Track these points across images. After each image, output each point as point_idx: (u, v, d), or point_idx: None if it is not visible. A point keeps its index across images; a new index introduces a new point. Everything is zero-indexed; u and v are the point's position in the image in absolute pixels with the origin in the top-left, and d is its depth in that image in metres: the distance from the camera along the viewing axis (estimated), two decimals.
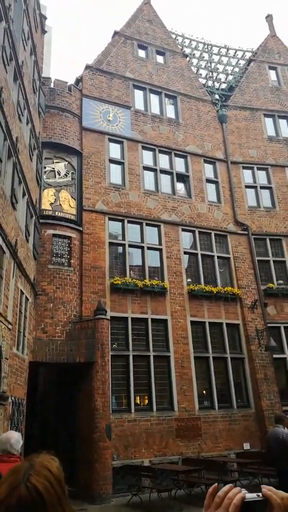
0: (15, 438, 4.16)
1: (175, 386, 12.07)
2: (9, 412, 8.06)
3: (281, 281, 14.96)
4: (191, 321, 13.12)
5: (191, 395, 12.19)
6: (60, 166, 13.13)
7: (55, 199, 12.62)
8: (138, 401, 11.67)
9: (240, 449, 12.10)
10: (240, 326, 13.82)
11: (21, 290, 9.36)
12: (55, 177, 12.92)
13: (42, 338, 10.84)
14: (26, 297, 9.83)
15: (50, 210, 12.37)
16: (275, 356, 13.58)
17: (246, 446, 12.23)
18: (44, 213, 12.22)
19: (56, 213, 12.40)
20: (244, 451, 12.00)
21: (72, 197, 12.94)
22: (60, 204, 12.62)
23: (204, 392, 12.71)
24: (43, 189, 12.53)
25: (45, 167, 12.85)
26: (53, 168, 12.98)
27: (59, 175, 13.00)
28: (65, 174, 13.12)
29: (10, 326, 8.14)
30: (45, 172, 12.79)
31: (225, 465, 10.89)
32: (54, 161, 13.10)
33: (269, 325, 13.90)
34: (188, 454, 11.44)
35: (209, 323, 13.37)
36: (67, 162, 13.29)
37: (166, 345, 12.55)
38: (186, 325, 12.98)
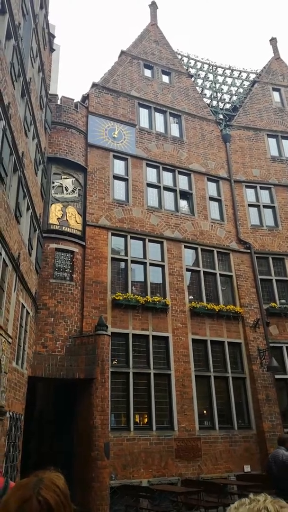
0: None
1: (175, 405, 11.90)
2: (6, 427, 7.93)
3: (283, 301, 14.87)
4: (192, 339, 13.00)
5: (191, 414, 12.01)
6: (68, 182, 13.27)
7: (62, 214, 12.71)
8: (137, 420, 11.50)
9: (241, 471, 11.84)
10: (242, 345, 13.69)
11: (22, 304, 9.31)
12: (63, 192, 13.03)
13: (42, 352, 10.74)
14: (27, 310, 9.77)
15: (57, 225, 12.45)
16: (277, 376, 13.40)
17: (247, 468, 11.98)
18: (52, 227, 12.30)
19: (63, 228, 12.47)
20: (244, 474, 11.74)
21: (78, 213, 13.06)
22: (67, 220, 12.71)
23: (205, 412, 12.52)
24: (51, 204, 12.63)
25: (53, 182, 12.98)
26: (61, 184, 13.11)
27: (67, 191, 13.12)
28: (72, 190, 13.24)
29: (10, 340, 8.07)
30: (53, 187, 12.92)
31: (225, 488, 10.65)
32: (62, 176, 13.24)
33: (271, 345, 13.76)
34: (188, 475, 11.20)
35: (211, 341, 13.25)
36: (74, 179, 13.44)
37: (167, 363, 12.42)
38: (187, 343, 12.86)
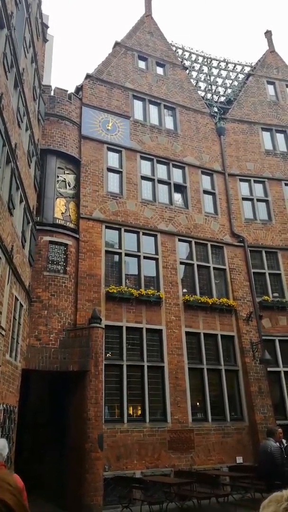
0: (2, 444, 4.11)
1: (169, 397, 11.96)
2: (0, 419, 7.93)
3: (276, 294, 14.96)
4: (186, 331, 13.05)
5: (184, 406, 12.08)
6: (70, 178, 13.41)
7: (66, 209, 12.79)
8: (131, 412, 11.55)
9: (233, 463, 11.96)
10: (235, 338, 13.77)
11: (15, 297, 9.28)
12: (66, 187, 13.12)
13: (36, 345, 10.73)
14: (20, 303, 9.74)
15: (61, 220, 12.52)
16: (269, 369, 13.51)
17: (239, 459, 12.10)
18: (57, 221, 12.39)
19: (67, 223, 12.60)
20: (237, 465, 11.86)
21: (78, 209, 13.19)
22: (70, 215, 12.83)
23: (198, 404, 12.60)
24: (56, 198, 12.74)
25: (58, 176, 13.05)
26: (65, 179, 13.16)
27: (69, 186, 13.24)
28: (74, 186, 13.32)
29: (3, 332, 8.05)
30: (57, 181, 12.96)
31: (217, 479, 10.76)
32: (65, 172, 13.31)
33: (264, 337, 13.85)
34: (181, 466, 11.30)
35: (204, 334, 13.31)
36: (76, 175, 13.48)
37: (160, 355, 12.46)
38: (181, 336, 12.91)
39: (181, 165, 15.85)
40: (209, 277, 14.38)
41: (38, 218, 12.21)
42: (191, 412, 12.13)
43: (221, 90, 19.99)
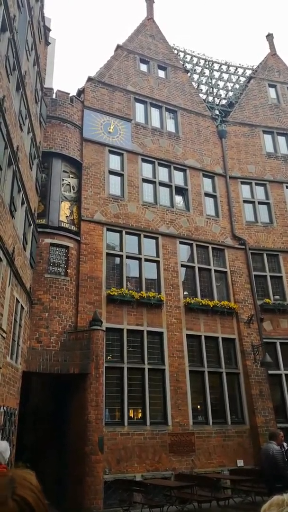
0: (4, 446, 4.12)
1: (169, 400, 11.94)
2: (0, 422, 7.92)
3: (277, 297, 14.94)
4: (187, 334, 13.04)
5: (185, 409, 12.06)
6: (74, 182, 13.55)
7: (70, 212, 12.89)
8: (131, 415, 11.53)
9: (234, 466, 11.93)
10: (236, 340, 13.75)
11: (16, 299, 9.28)
12: (70, 191, 13.23)
13: (37, 347, 10.73)
14: (21, 305, 9.75)
15: (66, 223, 12.62)
16: (270, 372, 13.48)
17: (240, 463, 12.07)
18: (62, 225, 12.49)
19: (72, 227, 12.70)
20: (237, 468, 11.83)
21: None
22: (73, 218, 12.93)
23: (199, 407, 12.58)
24: (61, 201, 12.84)
25: (63, 180, 13.16)
26: (69, 183, 13.27)
27: (74, 190, 13.34)
28: (78, 191, 13.40)
29: (4, 335, 8.05)
30: (62, 184, 13.07)
31: (218, 482, 10.73)
32: (70, 175, 13.41)
33: (265, 340, 13.82)
34: (181, 469, 11.27)
35: (205, 337, 13.29)
36: (79, 179, 13.60)
37: (161, 358, 12.45)
38: (181, 339, 12.89)
39: (183, 168, 15.87)
40: (210, 279, 14.37)
41: (44, 221, 12.26)
42: (192, 415, 12.10)
43: (222, 93, 20.04)
